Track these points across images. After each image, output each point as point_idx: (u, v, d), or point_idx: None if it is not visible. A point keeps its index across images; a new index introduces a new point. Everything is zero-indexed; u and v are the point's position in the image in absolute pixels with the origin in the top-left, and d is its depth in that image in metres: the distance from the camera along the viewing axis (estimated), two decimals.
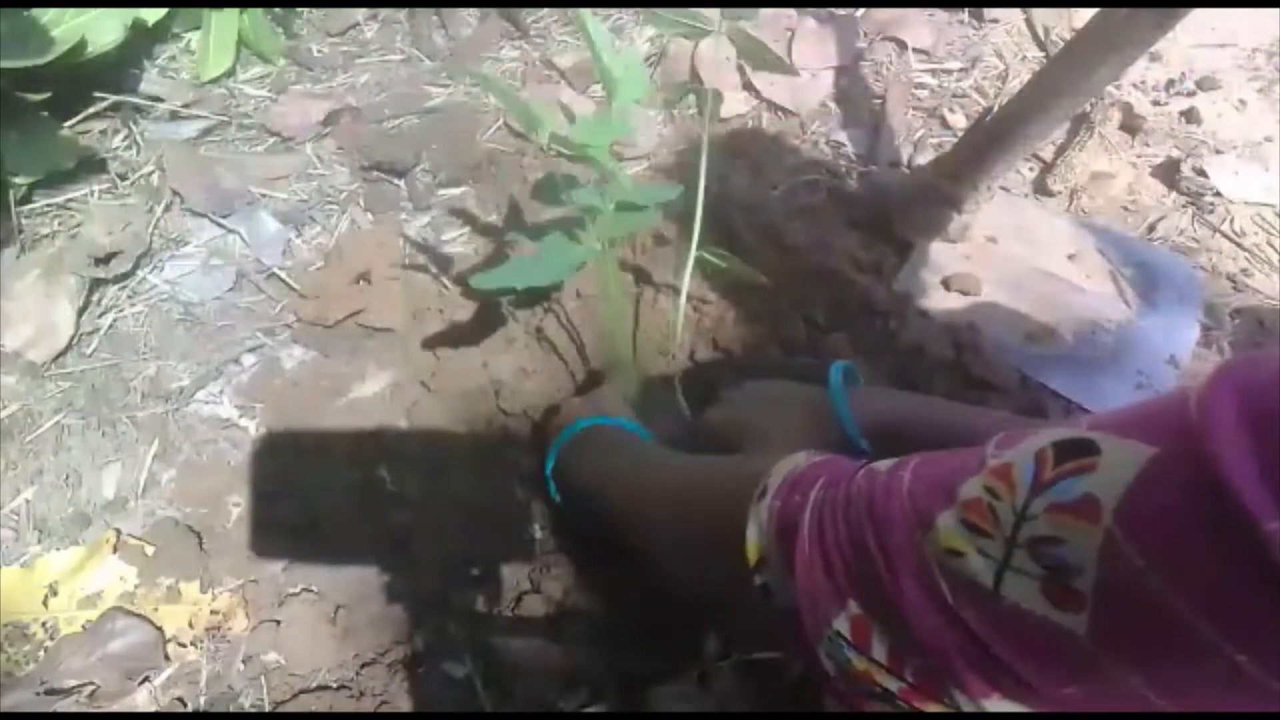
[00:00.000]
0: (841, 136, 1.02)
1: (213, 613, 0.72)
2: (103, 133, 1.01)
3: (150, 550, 0.75)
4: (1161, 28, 0.66)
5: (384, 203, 0.96)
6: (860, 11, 1.10)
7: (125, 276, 0.90)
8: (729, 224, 0.91)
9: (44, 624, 0.73)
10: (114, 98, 1.00)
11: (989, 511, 0.32)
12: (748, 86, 1.04)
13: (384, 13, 1.14)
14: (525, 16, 1.11)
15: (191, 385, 0.84)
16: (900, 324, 0.84)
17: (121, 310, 0.89)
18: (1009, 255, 0.92)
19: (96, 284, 0.89)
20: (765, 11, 1.08)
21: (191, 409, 0.83)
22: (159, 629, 0.72)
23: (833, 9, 1.09)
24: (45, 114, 0.93)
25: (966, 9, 1.12)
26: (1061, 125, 0.99)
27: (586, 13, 0.61)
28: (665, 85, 1.06)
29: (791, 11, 1.08)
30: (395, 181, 0.98)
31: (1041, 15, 1.11)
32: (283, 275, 0.90)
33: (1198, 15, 1.06)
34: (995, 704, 0.33)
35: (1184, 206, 0.97)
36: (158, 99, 1.02)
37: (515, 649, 0.69)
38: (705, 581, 0.55)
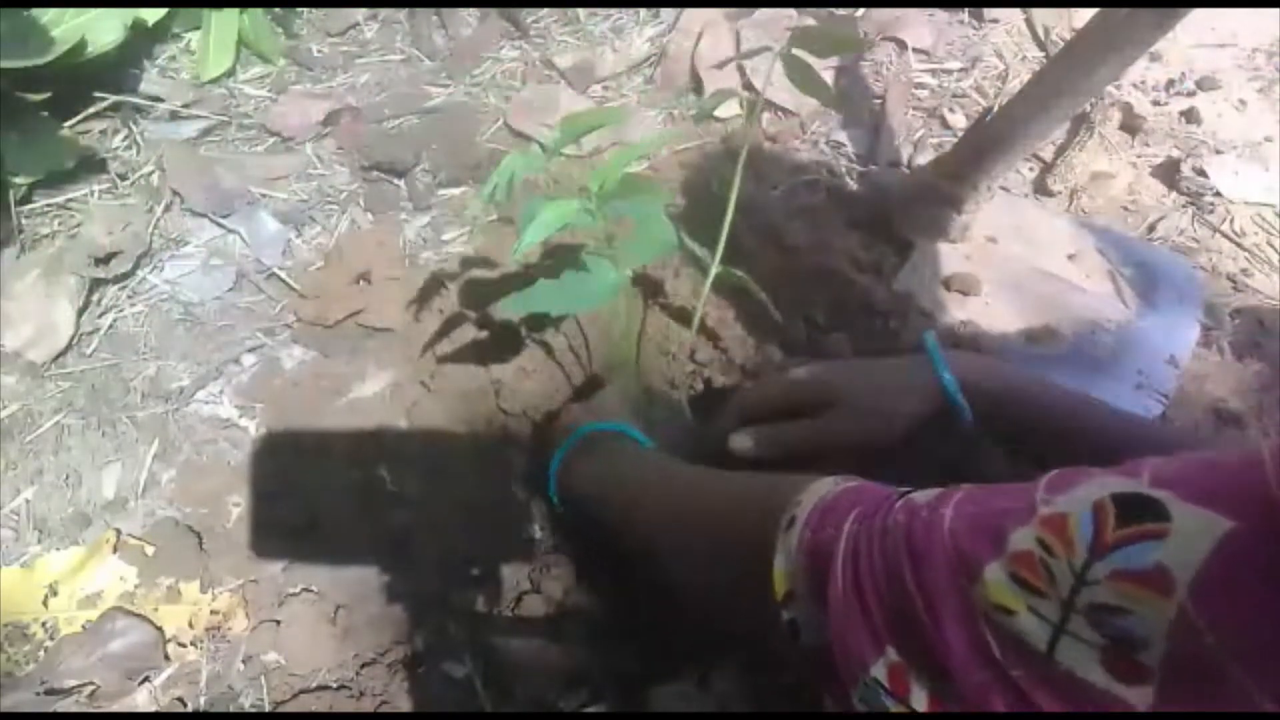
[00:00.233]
0: (841, 136, 1.02)
1: (213, 613, 0.72)
2: (103, 133, 1.01)
3: (150, 550, 0.75)
4: (1161, 28, 0.66)
5: (384, 203, 0.96)
6: (860, 11, 1.10)
7: (125, 276, 0.90)
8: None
9: (44, 624, 0.73)
10: (114, 98, 1.00)
11: (1042, 568, 0.30)
12: (748, 87, 1.04)
13: (384, 13, 1.14)
14: (525, 16, 1.11)
15: (191, 385, 0.84)
16: (900, 324, 0.84)
17: (121, 310, 0.89)
18: (1009, 255, 0.92)
19: (96, 284, 0.89)
20: (765, 11, 1.08)
21: (191, 409, 0.83)
22: (159, 629, 0.72)
23: (833, 9, 1.09)
24: (45, 114, 0.93)
25: (966, 9, 1.12)
26: (1061, 125, 0.99)
27: None
28: (665, 85, 1.06)
29: (791, 11, 1.08)
30: (395, 181, 0.98)
31: (1041, 15, 1.10)
32: (283, 275, 0.91)
33: (1198, 15, 1.06)
34: None
35: (1184, 206, 0.97)
36: (158, 99, 1.03)
37: (515, 649, 0.69)
38: (724, 608, 0.52)
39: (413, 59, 1.10)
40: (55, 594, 0.74)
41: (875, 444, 0.66)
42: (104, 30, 0.94)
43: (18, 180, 0.92)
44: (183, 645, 0.72)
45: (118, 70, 1.02)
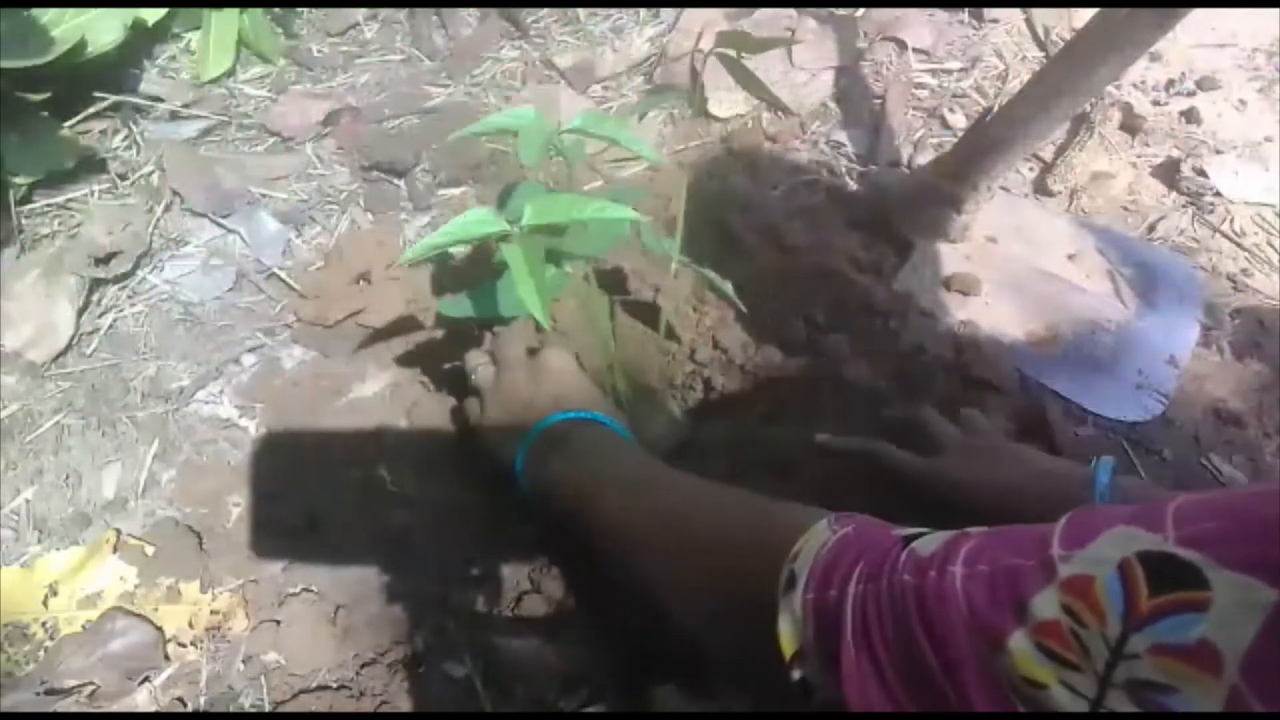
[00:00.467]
0: (841, 136, 1.02)
1: (213, 613, 0.72)
2: (103, 133, 1.01)
3: (150, 550, 0.75)
4: (1161, 28, 0.66)
5: (384, 203, 0.96)
6: (860, 11, 1.10)
7: (125, 276, 0.90)
8: (729, 224, 0.91)
9: (44, 624, 0.73)
10: (114, 98, 1.00)
11: (1072, 639, 0.28)
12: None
13: (384, 13, 1.14)
14: (525, 16, 1.11)
15: (191, 385, 0.84)
16: (900, 324, 0.84)
17: (121, 310, 0.89)
18: (1009, 255, 0.92)
19: (96, 284, 0.89)
20: (765, 11, 1.08)
21: (191, 409, 0.83)
22: (159, 629, 0.72)
23: (833, 9, 1.09)
24: (45, 114, 0.93)
25: (966, 9, 1.12)
26: (1061, 125, 0.99)
27: None
28: (665, 85, 1.06)
29: (791, 11, 1.08)
30: (395, 181, 0.98)
31: (1041, 15, 1.10)
32: (283, 275, 0.91)
33: (1198, 15, 1.06)
34: None
35: (1184, 206, 0.97)
36: (158, 99, 1.03)
37: (515, 649, 0.69)
38: (726, 645, 0.50)
39: (413, 59, 1.10)
40: (55, 594, 0.74)
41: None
42: (104, 30, 0.94)
43: (18, 180, 0.92)
44: (183, 645, 0.72)
45: (118, 70, 1.02)
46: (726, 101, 1.03)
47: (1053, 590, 0.29)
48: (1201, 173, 0.97)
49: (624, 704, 0.67)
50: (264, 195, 0.96)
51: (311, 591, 0.73)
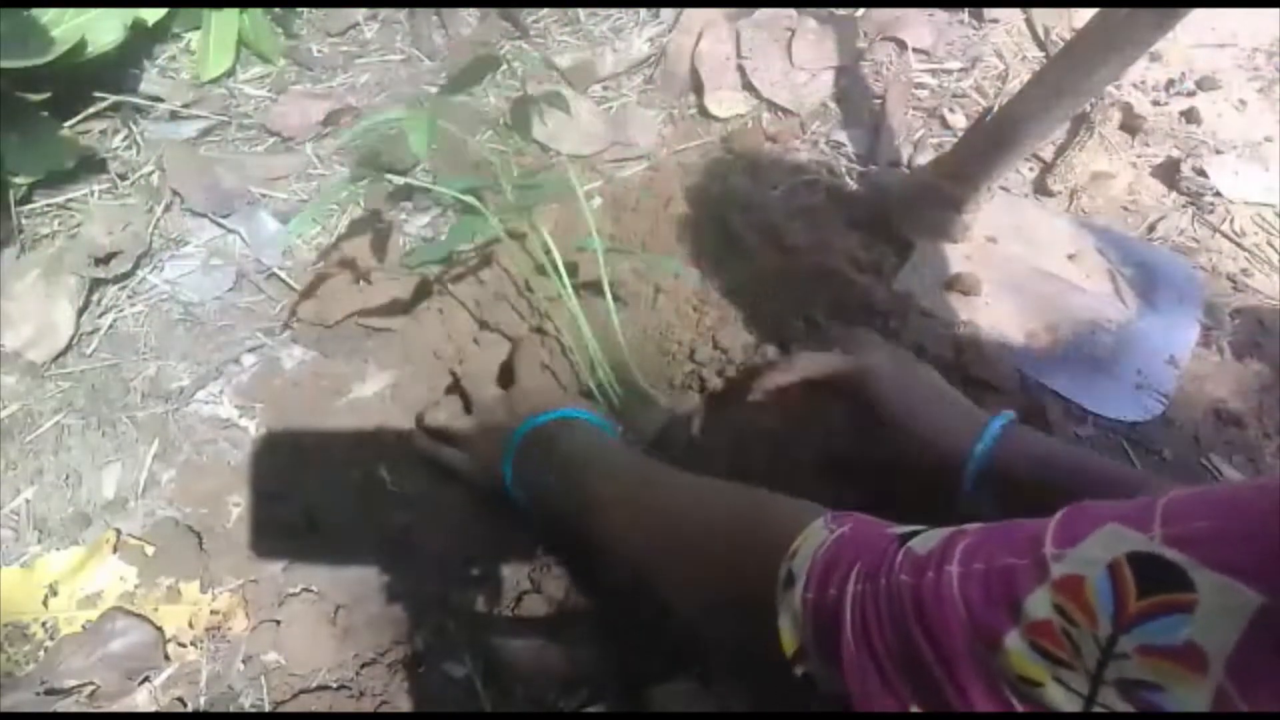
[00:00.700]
0: (841, 136, 1.02)
1: (213, 613, 0.72)
2: (103, 133, 1.01)
3: (150, 550, 0.75)
4: (1161, 28, 0.66)
5: (384, 203, 0.96)
6: (860, 11, 1.10)
7: (125, 276, 0.90)
8: (729, 224, 0.91)
9: (44, 624, 0.73)
10: (114, 98, 1.00)
11: (1065, 638, 0.29)
12: (748, 86, 1.04)
13: (384, 13, 1.14)
14: (525, 16, 1.11)
15: (191, 385, 0.84)
16: (900, 324, 0.84)
17: (121, 310, 0.89)
18: (1009, 255, 0.92)
19: (96, 284, 0.89)
20: (765, 11, 1.08)
21: (191, 409, 0.83)
22: (159, 629, 0.72)
23: (833, 9, 1.09)
24: (45, 114, 0.93)
25: (966, 9, 1.12)
26: (1061, 125, 0.99)
27: None
28: (665, 85, 1.06)
29: (791, 11, 1.08)
30: (395, 181, 0.98)
31: (1041, 15, 1.10)
32: (283, 275, 0.91)
33: (1198, 15, 1.06)
34: None
35: (1184, 206, 0.97)
36: (158, 99, 1.02)
37: (515, 649, 0.69)
38: (725, 638, 0.52)
39: (413, 59, 1.10)
40: (55, 594, 0.74)
41: (872, 456, 0.67)
42: (104, 30, 0.94)
43: (18, 180, 0.92)
44: (183, 645, 0.72)
45: (118, 70, 1.02)
46: (726, 101, 1.03)
47: (1045, 590, 0.30)
48: (1201, 173, 0.97)
49: (624, 704, 0.67)
50: (264, 195, 0.96)
51: (311, 591, 0.73)
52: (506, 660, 0.69)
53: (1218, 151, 1.00)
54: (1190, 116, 1.03)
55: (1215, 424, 0.82)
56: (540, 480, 0.68)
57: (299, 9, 1.12)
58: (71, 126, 0.98)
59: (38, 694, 0.69)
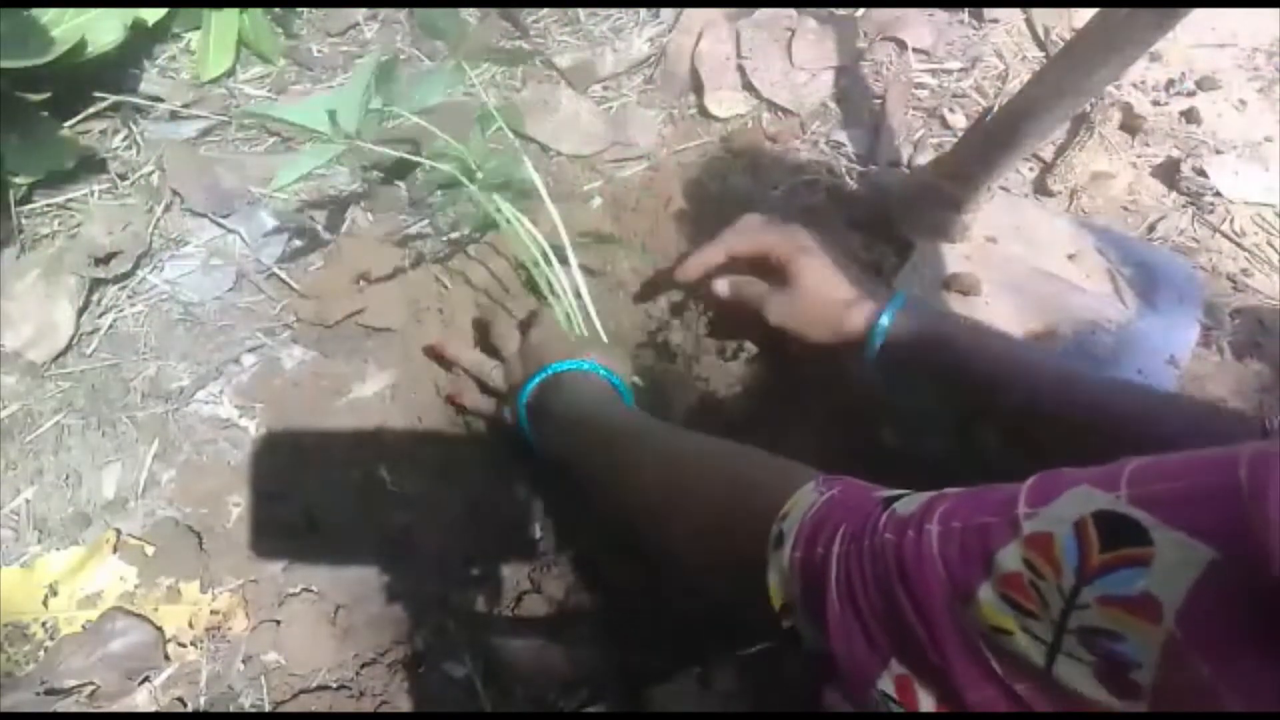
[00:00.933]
0: (841, 136, 1.02)
1: (213, 613, 0.72)
2: (103, 133, 1.00)
3: (150, 550, 0.75)
4: (1161, 28, 0.66)
5: (384, 203, 0.96)
6: (860, 11, 1.10)
7: (125, 276, 0.90)
8: (729, 224, 0.91)
9: (44, 624, 0.73)
10: (114, 98, 1.00)
11: (1032, 589, 0.31)
12: (748, 86, 1.04)
13: (384, 13, 1.14)
14: (525, 16, 1.11)
15: (191, 385, 0.84)
16: None
17: (121, 310, 0.89)
18: (1009, 255, 0.92)
19: (96, 284, 0.89)
20: (765, 11, 1.08)
21: (191, 409, 0.83)
22: (159, 629, 0.72)
23: (833, 9, 1.09)
24: (45, 114, 0.93)
25: (966, 9, 1.12)
26: (1061, 125, 0.99)
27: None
28: (665, 85, 1.06)
29: (791, 11, 1.08)
30: (395, 181, 0.98)
31: (1041, 15, 1.10)
32: (283, 275, 0.91)
33: (1198, 15, 1.06)
34: None
35: (1184, 206, 0.97)
36: (158, 99, 1.02)
37: (515, 649, 0.69)
38: (717, 591, 0.54)
39: (413, 59, 1.10)
40: (55, 594, 0.74)
41: (802, 338, 0.73)
42: (104, 30, 0.94)
43: (18, 180, 0.92)
44: (183, 645, 0.72)
45: (118, 70, 1.02)
46: (726, 101, 1.03)
47: (1016, 545, 0.32)
48: (1201, 173, 0.97)
49: (624, 704, 0.67)
50: (264, 195, 0.96)
51: (311, 591, 0.73)
52: (506, 660, 0.69)
53: (1218, 151, 1.00)
54: (1190, 116, 1.03)
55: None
56: (545, 428, 0.70)
57: (299, 9, 1.12)
58: (71, 126, 0.98)
59: (38, 694, 0.69)
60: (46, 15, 0.90)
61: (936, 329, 0.70)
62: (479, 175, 0.75)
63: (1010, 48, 1.10)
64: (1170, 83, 1.06)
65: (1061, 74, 0.74)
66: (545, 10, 1.12)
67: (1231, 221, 0.95)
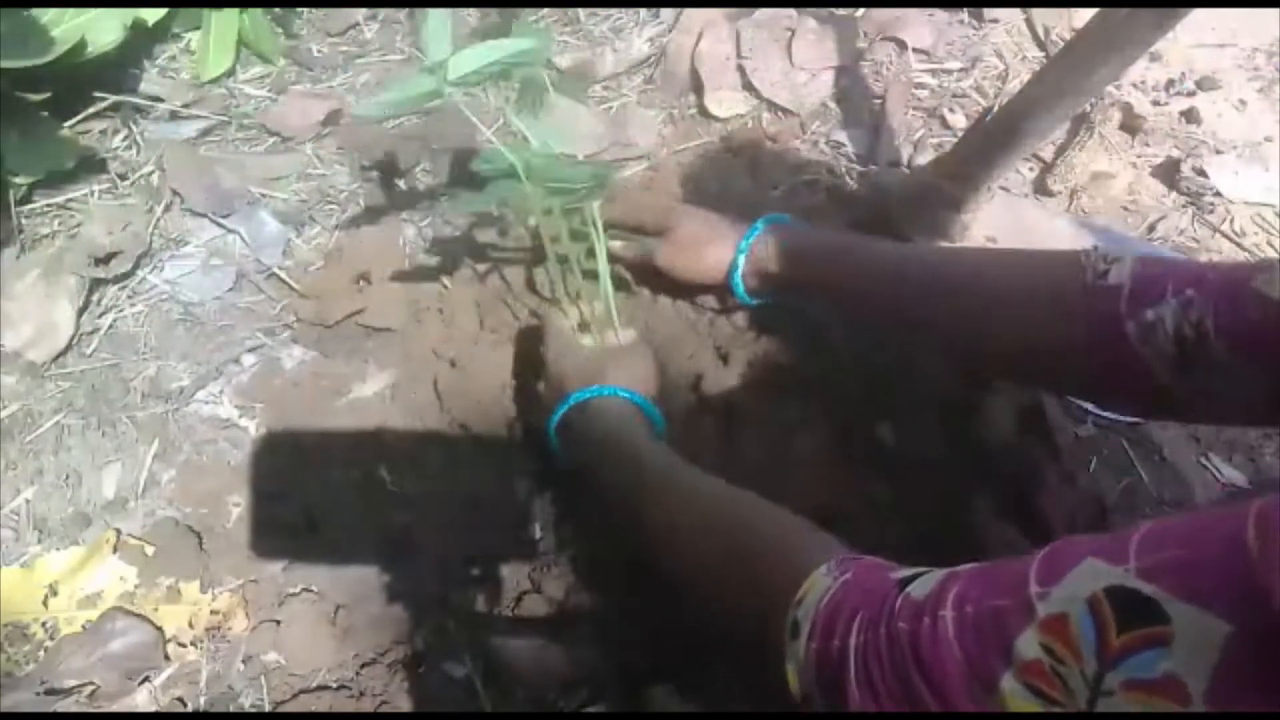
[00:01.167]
0: (841, 136, 1.02)
1: (213, 613, 0.72)
2: (103, 133, 1.01)
3: (150, 550, 0.75)
4: (1161, 28, 0.66)
5: (384, 203, 0.96)
6: (860, 11, 1.10)
7: (125, 276, 0.90)
8: None
9: (44, 624, 0.73)
10: (114, 98, 1.00)
11: (1055, 677, 0.31)
12: (748, 86, 1.04)
13: (384, 13, 1.14)
14: (525, 16, 1.11)
15: (191, 385, 0.84)
16: None
17: (121, 310, 0.89)
18: None
19: (96, 284, 0.89)
20: (765, 11, 1.08)
21: (191, 409, 0.83)
22: (159, 629, 0.72)
23: (833, 9, 1.09)
24: (45, 114, 0.93)
25: (966, 9, 1.12)
26: (1061, 125, 0.99)
27: None
28: (665, 85, 1.06)
29: (791, 11, 1.08)
30: (395, 181, 0.98)
31: (1041, 15, 1.10)
32: (283, 275, 0.91)
33: (1198, 15, 1.06)
34: None
35: (1184, 206, 0.97)
36: (158, 99, 1.02)
37: (515, 649, 0.69)
38: (734, 656, 0.55)
39: (413, 59, 1.10)
40: (55, 594, 0.74)
41: (682, 279, 0.78)
42: (104, 30, 0.94)
43: (18, 180, 0.92)
44: (183, 645, 0.72)
45: (118, 70, 1.02)
46: (726, 101, 1.03)
47: (1033, 631, 0.32)
48: (1201, 173, 0.97)
49: (624, 704, 0.67)
50: (264, 195, 0.96)
51: (311, 591, 0.73)
52: (506, 660, 0.69)
53: (1218, 151, 1.00)
54: (1190, 116, 1.03)
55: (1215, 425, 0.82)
56: (577, 454, 0.70)
57: (299, 9, 1.12)
58: (71, 126, 0.98)
59: (38, 694, 0.69)
60: (46, 15, 0.90)
61: (793, 248, 0.73)
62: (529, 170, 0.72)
63: (1010, 48, 1.10)
64: (1170, 83, 1.06)
65: (1061, 74, 0.74)
66: (545, 10, 1.12)
67: (1231, 221, 0.95)
